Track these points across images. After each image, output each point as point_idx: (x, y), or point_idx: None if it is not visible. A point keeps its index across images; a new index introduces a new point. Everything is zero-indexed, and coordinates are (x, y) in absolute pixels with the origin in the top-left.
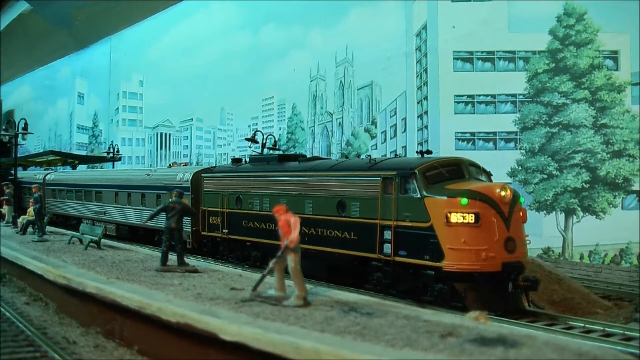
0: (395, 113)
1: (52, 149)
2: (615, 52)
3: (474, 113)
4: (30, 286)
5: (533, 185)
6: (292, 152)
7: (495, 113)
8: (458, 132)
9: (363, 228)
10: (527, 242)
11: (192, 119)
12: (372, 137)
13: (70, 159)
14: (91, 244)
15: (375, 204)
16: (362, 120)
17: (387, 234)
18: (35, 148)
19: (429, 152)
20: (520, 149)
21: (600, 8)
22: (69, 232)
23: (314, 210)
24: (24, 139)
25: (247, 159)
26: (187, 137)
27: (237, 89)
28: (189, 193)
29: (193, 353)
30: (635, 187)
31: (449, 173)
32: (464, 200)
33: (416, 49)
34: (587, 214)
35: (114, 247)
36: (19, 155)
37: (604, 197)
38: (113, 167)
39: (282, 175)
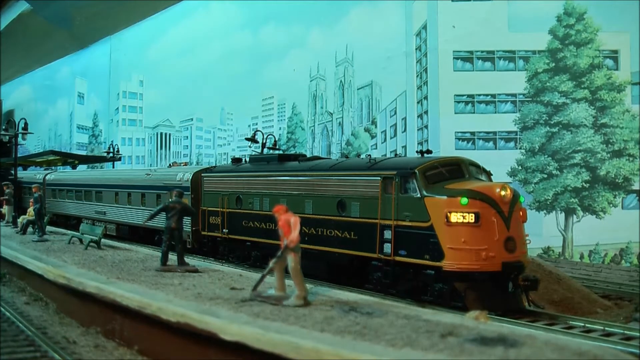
0: (395, 113)
1: (52, 149)
2: (615, 51)
3: (474, 113)
4: (30, 286)
5: (533, 185)
6: (292, 152)
7: (495, 113)
8: (458, 132)
9: (363, 228)
10: (527, 241)
11: (192, 119)
12: (372, 137)
13: (70, 159)
14: (91, 243)
15: (375, 203)
16: (362, 120)
17: (387, 234)
18: (35, 148)
19: (429, 151)
20: (520, 148)
21: (600, 8)
22: (69, 232)
23: (314, 210)
24: (24, 139)
25: (247, 159)
26: (187, 137)
27: (237, 89)
28: (189, 193)
29: (193, 353)
30: (635, 187)
31: (449, 173)
32: (464, 200)
33: (416, 49)
34: (587, 213)
35: (114, 247)
36: (19, 155)
37: (604, 197)
38: (113, 167)
39: (282, 175)
